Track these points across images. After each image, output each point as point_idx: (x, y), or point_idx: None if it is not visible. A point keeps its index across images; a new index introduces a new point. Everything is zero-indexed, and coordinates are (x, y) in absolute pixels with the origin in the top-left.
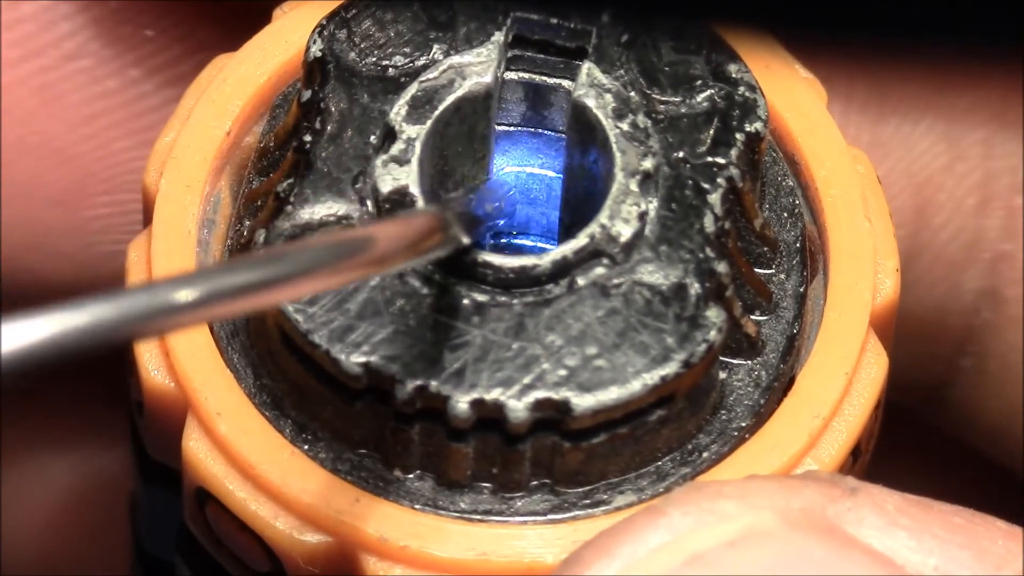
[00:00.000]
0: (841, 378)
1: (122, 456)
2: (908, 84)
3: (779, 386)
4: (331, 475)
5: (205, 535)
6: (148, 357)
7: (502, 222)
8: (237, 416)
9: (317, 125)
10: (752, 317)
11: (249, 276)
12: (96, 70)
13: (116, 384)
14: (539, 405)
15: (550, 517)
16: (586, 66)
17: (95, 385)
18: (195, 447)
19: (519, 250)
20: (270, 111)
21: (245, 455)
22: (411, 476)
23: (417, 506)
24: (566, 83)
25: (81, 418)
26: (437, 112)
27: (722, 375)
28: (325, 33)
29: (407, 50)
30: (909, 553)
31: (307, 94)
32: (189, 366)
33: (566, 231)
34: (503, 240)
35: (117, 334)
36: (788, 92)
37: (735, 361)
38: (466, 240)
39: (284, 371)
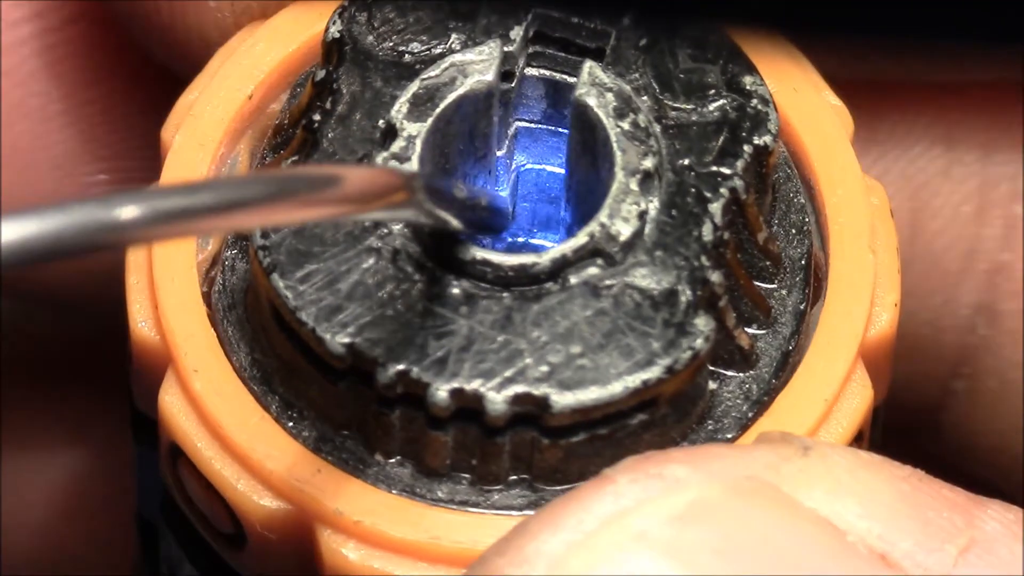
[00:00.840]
0: (820, 404)
1: (123, 446)
2: (906, 82)
3: (769, 401)
4: (297, 444)
5: (178, 491)
6: (138, 308)
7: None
8: (213, 375)
9: (328, 105)
10: (747, 330)
11: (206, 199)
12: (100, 35)
13: (119, 370)
14: (518, 399)
15: (525, 512)
16: (588, 65)
17: (99, 373)
18: (170, 401)
19: (535, 249)
20: (291, 89)
21: (215, 414)
22: (392, 461)
23: (394, 491)
24: None
25: (84, 407)
26: (438, 110)
27: (712, 385)
28: (345, 15)
29: (425, 37)
30: (855, 520)
31: (321, 74)
32: (174, 321)
33: (569, 230)
34: (520, 238)
35: (55, 248)
36: (813, 116)
37: (728, 373)
38: (428, 206)
39: (274, 347)
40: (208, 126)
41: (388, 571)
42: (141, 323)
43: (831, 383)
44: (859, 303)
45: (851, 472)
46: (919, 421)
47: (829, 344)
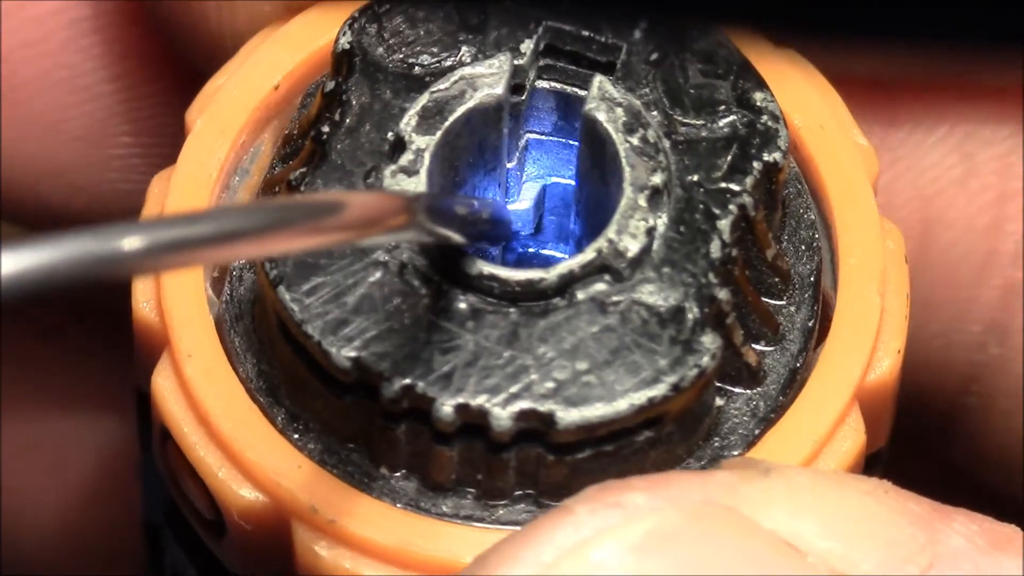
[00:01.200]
0: (808, 445)
1: (131, 440)
2: (926, 86)
3: (775, 418)
4: (282, 437)
5: (167, 474)
6: (141, 288)
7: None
8: (206, 361)
9: (337, 117)
10: (755, 347)
11: (206, 229)
12: (132, 11)
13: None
14: (523, 415)
15: None
16: (597, 79)
17: (116, 350)
18: (162, 384)
19: (547, 260)
20: (302, 99)
21: (203, 400)
22: (397, 475)
23: (399, 504)
24: None
25: (102, 384)
26: (447, 123)
27: (719, 402)
28: (356, 26)
29: (435, 50)
30: (816, 540)
31: (331, 85)
32: (173, 304)
33: (578, 244)
34: (531, 250)
35: (53, 280)
36: (836, 155)
37: (735, 389)
38: (429, 225)
39: (280, 359)
40: (231, 113)
41: (359, 572)
42: (144, 303)
43: (822, 425)
44: (860, 346)
45: (813, 491)
46: (931, 429)
47: (825, 384)
